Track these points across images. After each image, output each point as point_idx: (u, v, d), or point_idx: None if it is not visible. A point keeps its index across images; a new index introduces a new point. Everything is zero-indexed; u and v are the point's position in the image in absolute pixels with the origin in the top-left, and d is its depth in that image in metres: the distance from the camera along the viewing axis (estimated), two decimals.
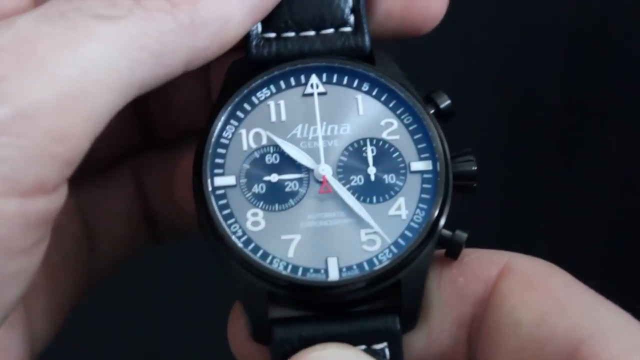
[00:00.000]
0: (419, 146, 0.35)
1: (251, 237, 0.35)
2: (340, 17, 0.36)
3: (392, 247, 0.35)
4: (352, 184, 0.35)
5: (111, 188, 0.41)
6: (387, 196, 0.35)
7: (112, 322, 0.71)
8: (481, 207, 0.65)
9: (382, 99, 0.36)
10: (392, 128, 0.36)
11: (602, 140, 0.70)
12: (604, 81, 0.69)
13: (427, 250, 0.35)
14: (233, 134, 0.35)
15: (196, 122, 0.40)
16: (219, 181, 0.35)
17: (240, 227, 0.35)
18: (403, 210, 0.35)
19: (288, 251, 0.35)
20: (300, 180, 0.35)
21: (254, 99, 0.36)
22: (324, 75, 0.36)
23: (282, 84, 0.36)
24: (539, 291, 0.34)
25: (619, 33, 0.68)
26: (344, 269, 0.34)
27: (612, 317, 0.33)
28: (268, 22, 0.36)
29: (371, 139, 0.36)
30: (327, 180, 0.35)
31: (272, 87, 0.36)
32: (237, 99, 0.36)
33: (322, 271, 0.34)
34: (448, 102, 0.36)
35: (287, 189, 0.35)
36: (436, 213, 0.35)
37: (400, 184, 0.35)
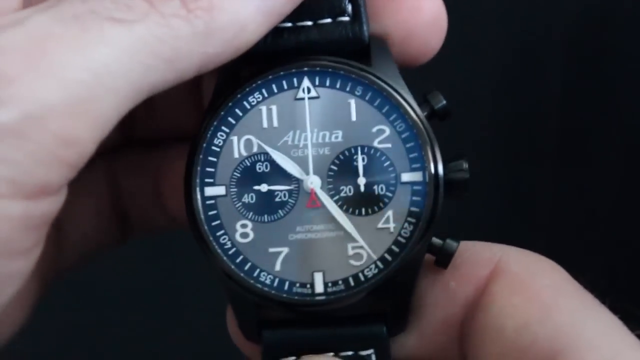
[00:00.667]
0: (411, 155, 0.35)
1: (239, 250, 0.35)
2: (338, 6, 0.35)
3: (379, 263, 0.35)
4: (342, 194, 0.35)
5: (83, 183, 0.41)
6: (376, 208, 0.35)
7: (112, 322, 0.71)
8: (481, 207, 0.65)
9: (375, 104, 0.35)
10: (384, 135, 0.35)
11: (602, 141, 0.69)
12: (604, 81, 0.69)
13: (415, 264, 0.35)
14: (224, 141, 0.35)
15: (179, 122, 0.40)
16: (210, 191, 0.35)
17: (229, 239, 0.35)
18: (391, 223, 0.35)
19: (275, 265, 0.35)
20: (289, 191, 0.35)
21: (245, 103, 0.35)
22: (317, 79, 0.35)
23: (275, 88, 0.35)
24: (525, 295, 0.33)
25: (619, 33, 0.68)
26: (330, 284, 0.35)
27: (596, 325, 0.33)
28: None
29: (362, 147, 0.35)
30: (316, 194, 0.35)
31: (264, 91, 0.35)
32: (229, 104, 0.35)
33: (308, 286, 0.35)
34: (443, 102, 0.36)
35: (276, 199, 0.35)
36: (424, 227, 0.35)
37: (390, 195, 0.35)
